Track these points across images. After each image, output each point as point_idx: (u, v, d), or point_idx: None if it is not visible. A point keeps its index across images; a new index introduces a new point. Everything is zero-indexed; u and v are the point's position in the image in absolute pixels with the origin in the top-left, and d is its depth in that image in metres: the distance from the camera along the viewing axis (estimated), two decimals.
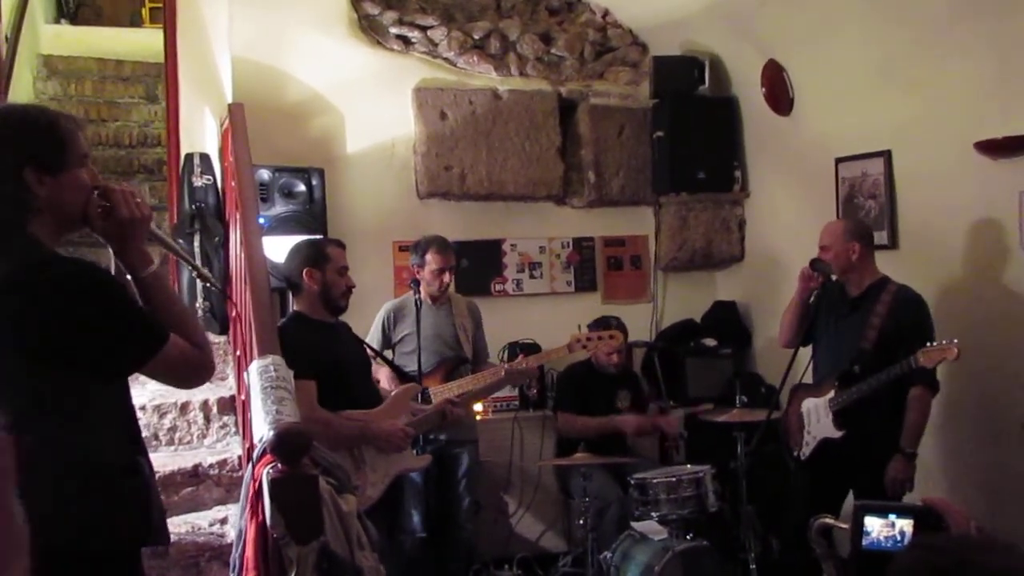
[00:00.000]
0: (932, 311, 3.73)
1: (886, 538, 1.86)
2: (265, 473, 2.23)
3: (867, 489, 3.53)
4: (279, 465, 2.24)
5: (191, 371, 2.00)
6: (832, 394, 3.71)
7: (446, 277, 4.31)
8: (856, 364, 3.66)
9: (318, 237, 4.16)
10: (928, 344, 3.45)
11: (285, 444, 2.23)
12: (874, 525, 1.86)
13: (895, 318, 3.66)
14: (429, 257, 4.27)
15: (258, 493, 2.28)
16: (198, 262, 4.45)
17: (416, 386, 3.77)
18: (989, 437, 3.97)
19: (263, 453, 2.31)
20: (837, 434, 3.71)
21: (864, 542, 1.87)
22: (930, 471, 4.11)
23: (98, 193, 1.92)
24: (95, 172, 1.98)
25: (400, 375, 3.98)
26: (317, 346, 3.41)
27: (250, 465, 2.39)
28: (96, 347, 1.81)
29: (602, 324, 4.56)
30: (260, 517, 2.26)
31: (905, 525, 1.84)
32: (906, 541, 1.82)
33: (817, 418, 3.78)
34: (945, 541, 1.52)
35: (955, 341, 3.39)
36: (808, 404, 3.83)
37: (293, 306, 3.74)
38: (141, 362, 1.88)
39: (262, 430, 2.41)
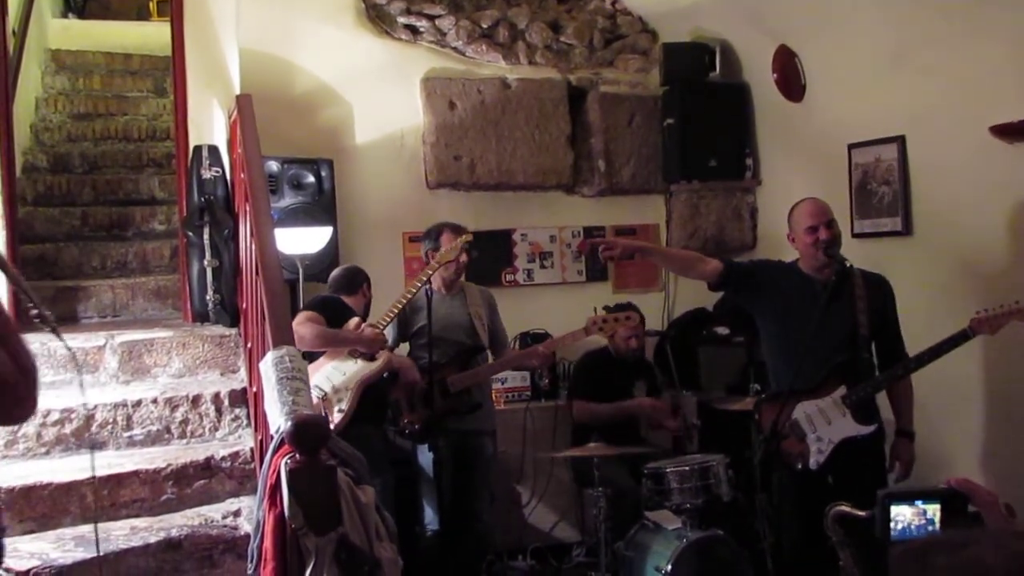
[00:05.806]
0: (948, 297, 3.67)
1: (918, 526, 1.83)
2: (283, 464, 2.22)
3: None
4: (297, 456, 2.23)
5: (9, 400, 1.62)
6: (843, 390, 3.42)
7: (463, 257, 4.18)
8: (853, 352, 3.41)
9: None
10: (981, 311, 3.26)
11: (303, 434, 2.22)
12: (904, 513, 1.83)
13: (878, 299, 3.49)
14: (444, 239, 4.18)
15: (276, 484, 2.27)
16: (208, 255, 4.43)
17: (357, 320, 3.97)
18: (1009, 424, 3.94)
19: (280, 444, 2.30)
20: (867, 429, 3.41)
21: (895, 531, 1.84)
22: (951, 458, 4.09)
23: None
24: None
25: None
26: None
27: (268, 456, 2.37)
28: None
29: (618, 310, 4.51)
30: (278, 508, 2.24)
31: (933, 509, 1.82)
32: (937, 525, 1.80)
33: (827, 420, 3.43)
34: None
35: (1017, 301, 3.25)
36: (806, 410, 3.45)
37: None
38: None
39: (278, 421, 2.40)
